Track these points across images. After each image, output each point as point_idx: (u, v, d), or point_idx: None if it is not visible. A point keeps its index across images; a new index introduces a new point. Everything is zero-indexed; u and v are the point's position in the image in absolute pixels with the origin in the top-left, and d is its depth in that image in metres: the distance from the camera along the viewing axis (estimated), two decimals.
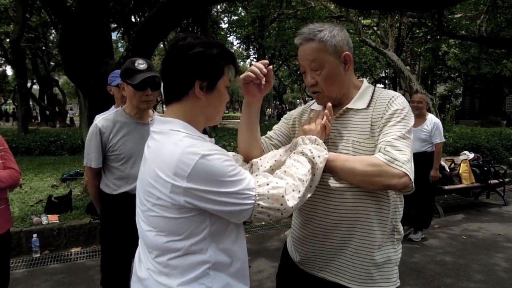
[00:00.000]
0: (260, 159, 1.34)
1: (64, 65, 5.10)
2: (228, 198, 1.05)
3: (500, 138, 8.78)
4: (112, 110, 2.49)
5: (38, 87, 26.75)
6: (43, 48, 20.93)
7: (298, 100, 43.61)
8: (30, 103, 24.51)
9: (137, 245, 2.11)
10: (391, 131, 1.28)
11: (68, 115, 26.95)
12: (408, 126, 1.30)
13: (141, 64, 2.16)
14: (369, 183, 1.24)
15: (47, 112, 24.80)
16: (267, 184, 1.11)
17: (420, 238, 4.54)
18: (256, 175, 1.16)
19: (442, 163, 5.95)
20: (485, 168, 6.05)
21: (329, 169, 1.27)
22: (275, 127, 1.62)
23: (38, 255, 4.13)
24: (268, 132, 1.61)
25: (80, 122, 17.51)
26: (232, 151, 1.43)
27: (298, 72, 30.08)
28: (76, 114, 38.16)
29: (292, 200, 1.11)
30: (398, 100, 1.35)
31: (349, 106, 1.40)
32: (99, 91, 4.92)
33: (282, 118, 1.64)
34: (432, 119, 4.52)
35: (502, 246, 4.39)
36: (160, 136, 1.12)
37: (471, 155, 6.32)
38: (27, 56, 19.20)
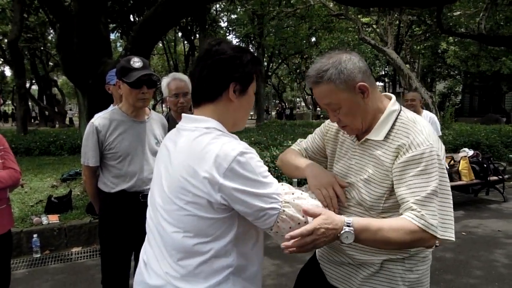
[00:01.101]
0: None
1: (63, 65, 5.10)
2: (258, 199, 1.06)
3: (499, 135, 8.78)
4: (111, 108, 2.49)
5: (37, 88, 26.76)
6: (42, 48, 20.93)
7: (298, 99, 43.57)
8: (29, 103, 24.50)
9: (137, 242, 2.11)
10: (419, 185, 1.19)
11: (67, 115, 26.94)
12: (436, 175, 1.18)
13: (136, 62, 2.16)
14: (404, 249, 1.27)
15: (46, 113, 24.80)
16: (293, 193, 1.14)
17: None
18: (282, 184, 1.18)
19: None
20: (485, 165, 6.05)
21: (359, 240, 1.15)
22: (309, 137, 1.62)
23: (38, 255, 4.13)
24: (304, 141, 1.63)
25: (80, 121, 17.53)
26: None
27: (298, 71, 30.11)
28: (76, 114, 38.18)
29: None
30: (417, 141, 1.23)
31: (368, 136, 1.35)
32: (98, 90, 4.91)
33: (317, 130, 1.61)
34: (427, 115, 4.53)
35: (502, 242, 4.39)
36: (194, 134, 1.12)
37: (471, 152, 6.32)
38: (25, 56, 19.19)
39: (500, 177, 6.19)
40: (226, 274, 1.09)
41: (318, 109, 30.91)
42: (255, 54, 1.20)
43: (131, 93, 2.18)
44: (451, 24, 13.48)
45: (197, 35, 20.23)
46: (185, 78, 2.72)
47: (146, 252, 1.24)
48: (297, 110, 39.60)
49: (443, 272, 3.63)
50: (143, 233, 2.37)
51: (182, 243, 1.08)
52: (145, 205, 2.26)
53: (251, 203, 1.05)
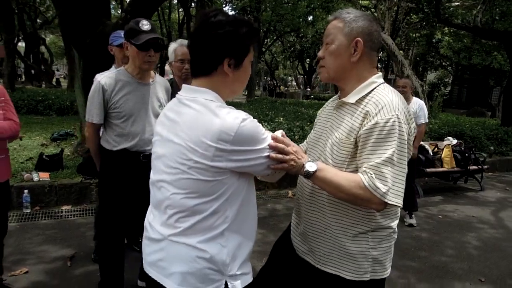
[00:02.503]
0: None
1: (60, 23, 5.03)
2: (261, 152, 1.19)
3: (483, 128, 9.03)
4: (113, 69, 2.52)
5: (24, 45, 25.97)
6: (31, 3, 20.23)
7: (289, 77, 43.37)
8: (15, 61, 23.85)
9: (136, 201, 2.23)
10: (377, 151, 1.28)
11: (54, 75, 26.34)
12: (394, 144, 1.27)
13: (145, 25, 2.20)
14: (351, 201, 1.34)
15: (33, 71, 24.19)
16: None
17: (415, 221, 4.57)
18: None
19: (426, 146, 6.16)
20: (466, 155, 6.27)
21: (317, 178, 1.30)
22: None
23: (28, 211, 4.20)
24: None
25: (71, 82, 17.16)
26: None
27: (292, 49, 29.90)
28: (62, 76, 37.28)
29: None
30: (385, 110, 1.30)
31: (344, 99, 1.44)
32: (96, 51, 4.89)
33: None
34: (417, 102, 4.66)
35: (475, 227, 4.65)
36: (194, 104, 1.19)
37: (454, 141, 6.53)
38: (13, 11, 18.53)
39: (480, 167, 6.44)
40: (221, 229, 1.19)
41: (308, 89, 30.93)
42: (253, 25, 1.23)
43: (138, 55, 2.22)
44: (448, 14, 13.56)
45: (193, 4, 19.86)
46: None
47: (152, 211, 1.33)
48: (287, 88, 39.48)
49: (418, 250, 3.85)
50: (143, 193, 2.48)
51: (183, 203, 1.18)
52: (145, 165, 2.37)
53: (256, 157, 1.18)
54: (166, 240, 1.22)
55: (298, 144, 1.59)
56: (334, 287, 1.45)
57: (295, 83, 42.34)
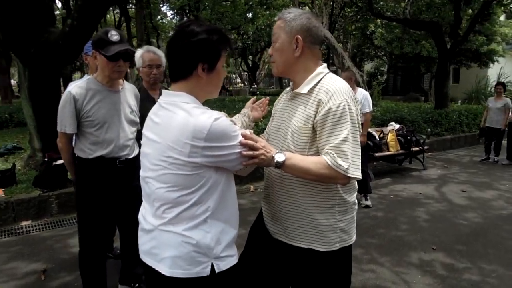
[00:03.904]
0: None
1: (2, 32, 4.78)
2: (234, 148, 1.31)
3: (420, 112, 9.78)
4: (86, 78, 2.53)
5: None
6: None
7: (233, 75, 43.49)
8: None
9: (115, 207, 2.31)
10: (334, 133, 1.44)
11: None
12: (348, 125, 1.44)
13: (114, 35, 2.23)
14: (319, 181, 1.50)
15: None
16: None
17: (370, 203, 4.92)
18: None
19: (373, 133, 6.61)
20: (408, 138, 6.82)
21: (286, 166, 1.44)
22: None
23: None
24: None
25: (5, 93, 16.02)
26: None
27: (234, 47, 29.99)
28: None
29: None
30: (335, 97, 1.46)
31: (297, 90, 1.60)
32: (41, 60, 4.73)
33: None
34: (361, 92, 4.99)
35: (422, 202, 5.13)
36: (172, 107, 1.32)
37: (397, 126, 7.06)
38: None
39: (421, 148, 7.03)
40: (204, 217, 1.32)
41: (254, 86, 31.29)
42: (225, 33, 1.37)
43: (107, 65, 2.25)
44: (379, 8, 14.41)
45: (130, 4, 19.29)
46: (159, 51, 2.83)
47: (144, 205, 1.45)
48: (233, 86, 39.63)
49: (376, 228, 4.20)
50: (121, 197, 2.52)
51: (167, 196, 1.31)
52: (121, 170, 2.42)
53: (229, 153, 1.30)
54: (156, 230, 1.35)
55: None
56: (308, 260, 1.62)
57: (239, 80, 42.56)
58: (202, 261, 1.31)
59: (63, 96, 2.30)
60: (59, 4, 19.80)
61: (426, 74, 20.10)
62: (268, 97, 1.95)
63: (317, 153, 1.51)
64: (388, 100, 17.16)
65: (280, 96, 1.83)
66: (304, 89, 1.57)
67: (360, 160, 1.48)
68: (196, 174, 1.28)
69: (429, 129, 8.94)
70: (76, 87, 2.30)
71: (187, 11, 21.22)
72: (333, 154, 1.42)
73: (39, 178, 4.54)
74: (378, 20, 17.51)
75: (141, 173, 1.42)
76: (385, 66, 23.32)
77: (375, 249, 3.64)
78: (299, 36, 1.53)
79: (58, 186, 4.52)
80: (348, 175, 1.42)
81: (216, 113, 1.30)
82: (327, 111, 1.45)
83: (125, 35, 2.23)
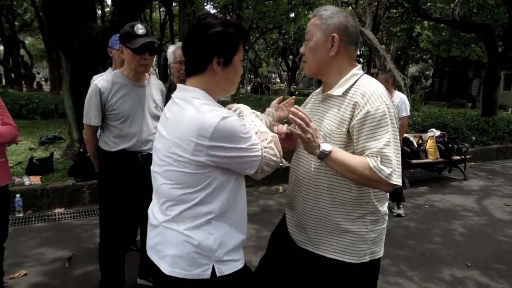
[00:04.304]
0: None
1: (48, 26, 5.01)
2: (243, 152, 1.24)
3: (464, 119, 9.28)
4: (109, 72, 2.57)
5: (3, 48, 25.43)
6: (9, 5, 19.80)
7: (273, 75, 43.46)
8: None
9: (137, 200, 2.32)
10: (374, 137, 1.36)
11: (35, 78, 25.86)
12: (389, 128, 1.37)
13: (140, 29, 2.24)
14: (362, 183, 1.40)
15: (13, 75, 23.72)
16: (266, 139, 1.34)
17: (403, 212, 4.70)
18: (255, 132, 1.35)
19: (411, 139, 6.33)
20: (450, 145, 6.46)
21: (332, 159, 1.37)
22: None
23: (21, 215, 4.19)
24: None
25: (54, 85, 16.88)
26: None
27: (275, 46, 29.99)
28: (43, 79, 36.53)
29: (279, 153, 1.36)
30: (372, 100, 1.39)
31: (329, 92, 1.52)
32: (83, 54, 4.90)
33: None
34: (399, 95, 4.79)
35: (460, 215, 4.83)
36: (183, 102, 1.27)
37: (438, 133, 6.71)
38: None
39: (463, 157, 6.64)
40: (207, 218, 1.26)
41: (293, 86, 31.11)
42: (242, 26, 1.31)
43: (133, 59, 2.27)
44: (427, 8, 13.83)
45: (174, 3, 19.73)
46: None
47: (153, 199, 1.43)
48: (273, 86, 39.61)
49: (408, 239, 3.99)
50: (142, 192, 2.53)
51: (170, 193, 1.27)
52: (143, 165, 2.43)
53: (236, 156, 1.23)
54: (161, 226, 1.32)
55: None
56: (334, 271, 1.53)
57: (279, 80, 42.48)
58: (202, 263, 1.26)
59: (90, 89, 2.34)
60: (108, 1, 20.61)
61: (475, 79, 19.16)
62: (293, 97, 1.86)
63: None
64: (432, 105, 16.48)
65: (308, 98, 1.76)
66: (337, 91, 1.49)
67: (400, 167, 1.39)
68: (200, 173, 1.23)
69: (473, 137, 8.45)
70: (102, 80, 2.34)
71: (230, 9, 21.42)
72: (377, 158, 1.35)
73: (74, 168, 4.71)
74: (425, 22, 16.82)
75: (151, 167, 1.39)
76: (430, 69, 22.46)
77: (403, 262, 3.46)
78: (335, 35, 1.45)
79: (91, 176, 4.66)
80: (391, 181, 1.34)
81: (225, 112, 1.24)
82: (365, 115, 1.38)
83: (150, 29, 2.23)
